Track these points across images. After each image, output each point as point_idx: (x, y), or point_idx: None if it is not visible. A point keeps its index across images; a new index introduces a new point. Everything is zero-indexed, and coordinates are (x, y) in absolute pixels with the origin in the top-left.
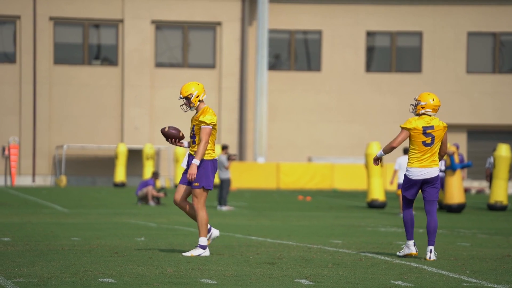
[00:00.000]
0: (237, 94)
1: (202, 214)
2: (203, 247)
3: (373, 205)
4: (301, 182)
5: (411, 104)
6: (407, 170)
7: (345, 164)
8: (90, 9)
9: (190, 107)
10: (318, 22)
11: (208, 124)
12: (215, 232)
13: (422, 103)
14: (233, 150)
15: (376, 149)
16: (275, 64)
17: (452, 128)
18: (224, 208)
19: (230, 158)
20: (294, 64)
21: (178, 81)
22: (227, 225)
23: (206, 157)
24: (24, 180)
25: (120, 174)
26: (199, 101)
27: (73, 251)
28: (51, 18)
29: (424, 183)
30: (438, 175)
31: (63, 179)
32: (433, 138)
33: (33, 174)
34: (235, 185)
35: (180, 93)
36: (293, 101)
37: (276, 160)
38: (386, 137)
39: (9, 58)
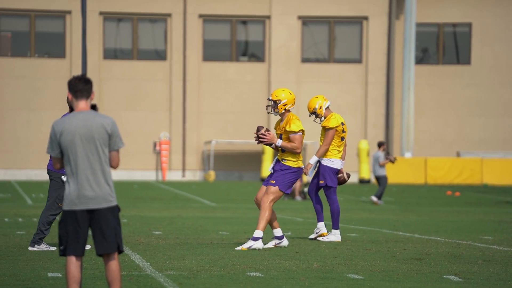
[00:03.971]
0: (384, 89)
1: (267, 210)
2: (255, 239)
3: None
4: (449, 177)
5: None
6: (331, 161)
7: (496, 158)
8: (238, 6)
9: (274, 112)
10: (467, 14)
11: (297, 132)
12: (284, 242)
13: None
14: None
15: None
16: (422, 58)
17: None
18: (375, 199)
19: (387, 158)
20: (442, 57)
21: (324, 76)
22: (374, 220)
23: (292, 164)
24: (175, 175)
25: (266, 170)
26: (285, 110)
27: (222, 245)
28: (200, 16)
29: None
30: None
31: (212, 174)
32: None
33: (183, 169)
34: None
35: (271, 95)
36: (441, 95)
37: (423, 155)
38: None
39: (160, 55)
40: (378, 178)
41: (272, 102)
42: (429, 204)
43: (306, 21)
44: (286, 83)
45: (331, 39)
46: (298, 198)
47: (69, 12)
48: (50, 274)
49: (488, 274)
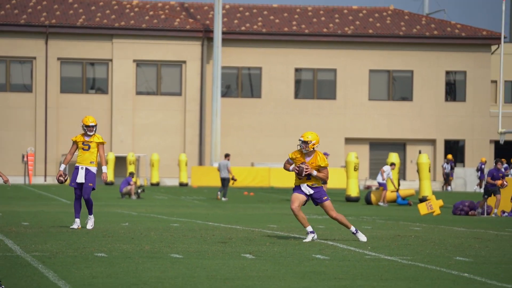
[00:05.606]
0: (198, 115)
1: (339, 216)
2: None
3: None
4: (246, 181)
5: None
6: None
7: (279, 168)
8: (87, 51)
9: (304, 149)
10: (258, 60)
11: (326, 167)
12: (315, 236)
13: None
14: (195, 157)
15: None
16: (226, 92)
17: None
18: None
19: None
20: (241, 92)
21: (154, 105)
22: (190, 214)
23: (319, 184)
24: (39, 180)
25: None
26: (313, 148)
27: (75, 233)
28: (58, 58)
29: None
30: None
31: (68, 179)
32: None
33: (45, 175)
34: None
35: (302, 137)
36: (240, 120)
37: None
38: None
39: (27, 88)
40: (223, 180)
41: (302, 142)
42: (232, 202)
43: (139, 63)
44: (125, 110)
45: (158, 77)
46: (133, 197)
47: None
48: None
49: (273, 252)
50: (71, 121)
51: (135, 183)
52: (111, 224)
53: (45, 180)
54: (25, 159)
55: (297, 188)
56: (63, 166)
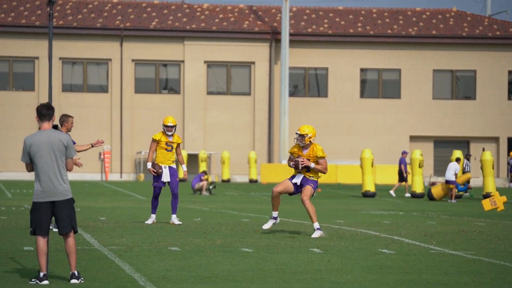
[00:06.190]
0: (267, 114)
1: (310, 205)
2: (318, 229)
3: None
4: None
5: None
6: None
7: (345, 165)
8: (160, 53)
9: (301, 143)
10: (325, 61)
11: (324, 157)
12: (277, 221)
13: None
14: (264, 155)
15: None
16: (294, 92)
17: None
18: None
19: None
20: (308, 92)
21: (224, 105)
22: (259, 210)
23: (315, 178)
24: (115, 177)
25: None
26: (310, 141)
27: (149, 227)
28: (132, 60)
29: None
30: None
31: (142, 176)
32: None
33: (121, 172)
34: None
35: (298, 130)
36: (308, 118)
37: None
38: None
39: (104, 89)
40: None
41: (299, 136)
42: (297, 196)
43: (210, 64)
44: (196, 110)
45: (228, 78)
46: (205, 193)
47: (37, 58)
48: (25, 248)
49: (341, 247)
50: (145, 120)
51: (207, 179)
52: (184, 219)
53: (121, 177)
54: (102, 156)
55: (292, 177)
56: (149, 164)
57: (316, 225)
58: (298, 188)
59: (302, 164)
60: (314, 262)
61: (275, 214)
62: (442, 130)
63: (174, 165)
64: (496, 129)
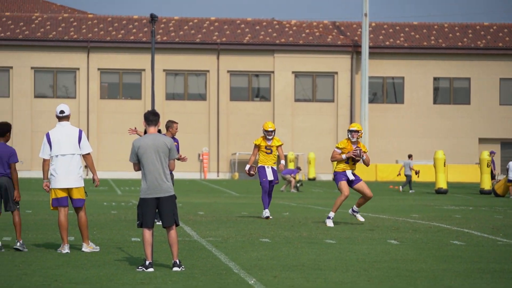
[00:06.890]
0: (348, 119)
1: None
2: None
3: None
4: (392, 176)
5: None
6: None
7: (420, 164)
8: (253, 64)
9: (353, 138)
10: (401, 71)
11: (366, 152)
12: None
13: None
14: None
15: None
16: (373, 99)
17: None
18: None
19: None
20: (386, 99)
21: (310, 110)
22: (343, 205)
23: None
24: (212, 175)
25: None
26: (360, 137)
27: (243, 221)
28: (228, 71)
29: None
30: None
31: (236, 175)
32: None
33: (217, 171)
34: None
35: (352, 127)
36: (385, 123)
37: (374, 162)
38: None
39: (202, 97)
40: (406, 176)
41: (354, 132)
42: (378, 194)
43: (297, 74)
44: (285, 115)
45: (313, 86)
46: (293, 190)
47: (144, 70)
48: (133, 239)
49: (416, 239)
50: (239, 125)
51: (295, 178)
52: (274, 213)
53: (218, 176)
54: (201, 157)
55: (342, 175)
56: (248, 166)
57: (352, 211)
58: (351, 183)
59: (362, 155)
60: (391, 252)
61: (332, 214)
62: (508, 132)
63: (275, 166)
64: None
